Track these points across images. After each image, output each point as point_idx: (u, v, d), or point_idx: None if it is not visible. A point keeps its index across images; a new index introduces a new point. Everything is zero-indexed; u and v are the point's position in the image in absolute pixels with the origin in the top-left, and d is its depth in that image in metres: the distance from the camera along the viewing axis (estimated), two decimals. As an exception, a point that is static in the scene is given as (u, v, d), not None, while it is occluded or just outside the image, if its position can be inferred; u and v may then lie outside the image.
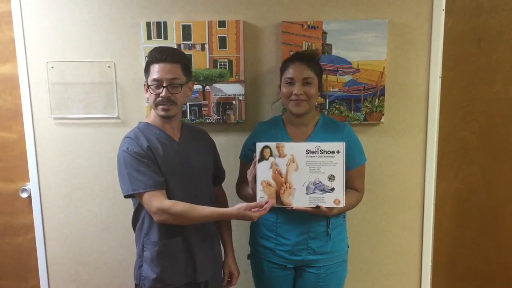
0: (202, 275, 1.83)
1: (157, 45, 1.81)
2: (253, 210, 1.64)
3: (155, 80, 1.70)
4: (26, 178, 2.40)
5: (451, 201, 2.40)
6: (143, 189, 1.68)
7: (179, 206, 1.66)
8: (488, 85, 2.29)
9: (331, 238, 1.86)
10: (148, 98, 1.77)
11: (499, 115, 2.32)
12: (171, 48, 1.79)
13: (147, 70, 1.75)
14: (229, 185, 2.07)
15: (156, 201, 1.67)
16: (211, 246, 1.89)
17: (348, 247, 1.99)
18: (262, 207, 1.64)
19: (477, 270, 2.47)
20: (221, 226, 2.00)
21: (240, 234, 2.07)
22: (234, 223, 2.04)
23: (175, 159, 1.77)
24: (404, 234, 2.38)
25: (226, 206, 2.01)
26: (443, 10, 2.18)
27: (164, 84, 1.69)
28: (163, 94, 1.70)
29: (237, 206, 1.66)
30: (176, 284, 1.79)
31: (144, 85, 1.78)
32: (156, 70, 1.70)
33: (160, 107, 1.72)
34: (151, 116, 1.82)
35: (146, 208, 1.71)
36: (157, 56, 1.71)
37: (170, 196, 1.73)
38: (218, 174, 2.02)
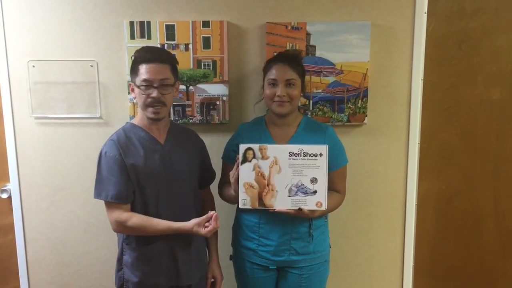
0: (186, 279, 1.82)
1: (141, 45, 1.79)
2: (205, 224, 1.67)
3: (145, 80, 1.66)
4: (6, 178, 2.37)
5: (433, 202, 2.43)
6: (104, 198, 1.70)
7: (134, 219, 1.68)
8: (470, 87, 2.32)
9: (313, 238, 1.87)
10: (135, 99, 1.74)
11: (480, 116, 2.35)
12: (159, 48, 1.77)
13: (134, 70, 1.70)
14: (213, 186, 2.06)
15: (115, 213, 1.69)
16: (196, 249, 1.87)
17: (330, 247, 2.00)
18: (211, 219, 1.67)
19: (458, 270, 2.50)
20: None
21: (222, 235, 2.06)
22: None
23: (158, 162, 1.75)
24: (386, 235, 2.40)
25: (213, 209, 1.98)
26: (425, 12, 2.21)
27: (155, 85, 1.67)
28: (154, 95, 1.67)
29: (192, 221, 1.68)
30: (160, 287, 1.78)
31: (130, 85, 1.74)
32: (146, 71, 1.66)
33: (150, 109, 1.70)
34: (138, 117, 1.79)
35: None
36: (146, 56, 1.68)
37: (151, 201, 1.74)
38: (207, 176, 2.00)
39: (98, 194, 1.72)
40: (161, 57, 1.69)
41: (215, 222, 1.66)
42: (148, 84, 1.67)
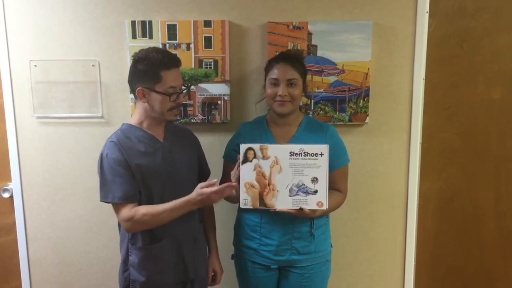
0: (193, 273, 1.84)
1: (143, 45, 1.79)
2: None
3: (172, 87, 1.68)
4: (8, 177, 2.37)
5: (434, 201, 2.43)
6: (111, 200, 1.69)
7: (142, 210, 1.67)
8: (471, 87, 2.32)
9: (314, 238, 1.87)
10: (151, 105, 1.70)
11: (481, 116, 2.35)
12: (168, 51, 1.79)
13: (152, 76, 1.66)
14: (214, 186, 2.07)
15: (123, 213, 1.68)
16: (199, 245, 1.89)
17: (332, 246, 2.00)
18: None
19: (459, 269, 2.50)
20: (206, 225, 1.99)
21: (224, 235, 2.06)
22: (218, 223, 2.04)
23: (160, 160, 1.75)
24: (388, 234, 2.40)
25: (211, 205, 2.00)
26: (427, 12, 2.20)
27: (179, 90, 1.71)
28: (180, 101, 1.74)
29: (195, 191, 1.68)
30: (167, 284, 1.79)
31: (140, 90, 1.68)
32: (172, 77, 1.68)
33: (173, 112, 1.74)
34: (135, 118, 1.78)
35: None
36: (170, 62, 1.68)
37: (156, 199, 1.73)
38: (203, 172, 2.01)
39: (104, 197, 1.70)
40: (178, 62, 1.73)
41: (230, 188, 1.68)
42: (175, 91, 1.70)
